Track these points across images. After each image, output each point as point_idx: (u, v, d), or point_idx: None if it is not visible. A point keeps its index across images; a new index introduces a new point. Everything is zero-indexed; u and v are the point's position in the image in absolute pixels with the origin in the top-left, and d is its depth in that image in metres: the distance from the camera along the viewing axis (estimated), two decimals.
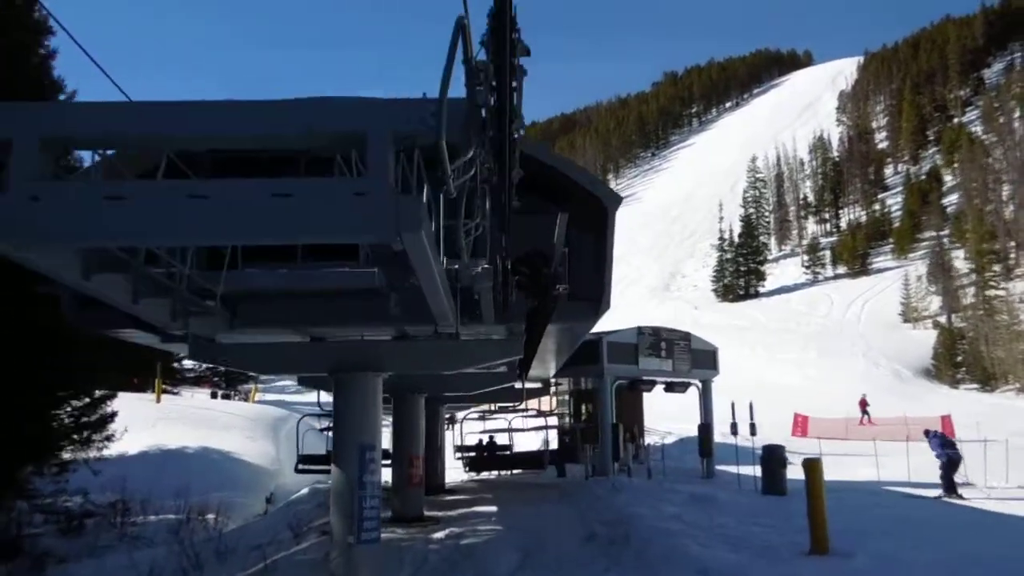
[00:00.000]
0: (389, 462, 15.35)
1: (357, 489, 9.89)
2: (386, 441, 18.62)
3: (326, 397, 16.70)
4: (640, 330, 19.84)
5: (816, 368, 55.22)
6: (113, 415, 16.49)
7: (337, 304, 8.87)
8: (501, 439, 22.63)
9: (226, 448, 23.14)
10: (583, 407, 26.48)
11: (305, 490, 20.92)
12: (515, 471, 22.90)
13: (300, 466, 18.57)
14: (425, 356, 10.53)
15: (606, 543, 11.15)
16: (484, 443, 21.85)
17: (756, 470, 16.83)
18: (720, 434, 21.11)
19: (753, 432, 17.42)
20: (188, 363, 47.67)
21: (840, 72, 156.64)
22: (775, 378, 50.89)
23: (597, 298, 10.19)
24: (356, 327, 9.14)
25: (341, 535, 9.91)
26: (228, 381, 50.82)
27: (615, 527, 11.86)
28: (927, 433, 17.45)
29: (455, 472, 24.07)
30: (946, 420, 30.56)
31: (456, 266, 7.24)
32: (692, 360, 20.52)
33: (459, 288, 7.66)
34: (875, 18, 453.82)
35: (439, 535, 12.83)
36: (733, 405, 17.43)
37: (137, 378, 36.92)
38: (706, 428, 20.53)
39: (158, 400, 33.16)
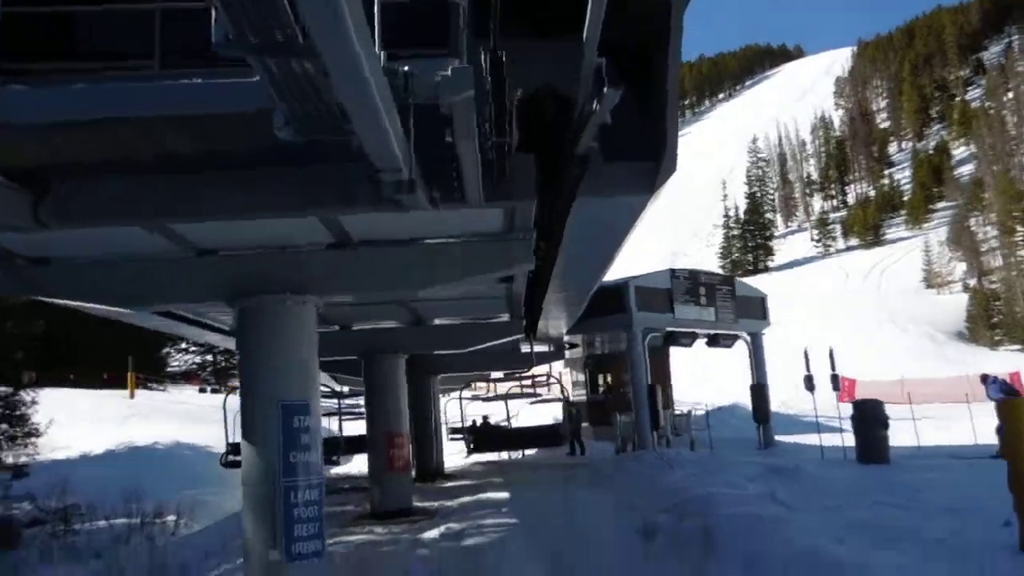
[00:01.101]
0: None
1: (280, 476, 6.08)
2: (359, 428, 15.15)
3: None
4: (674, 272, 15.91)
5: (841, 335, 51.39)
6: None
7: (218, 173, 4.99)
8: (503, 417, 18.87)
9: (201, 443, 21.12)
10: (600, 377, 22.87)
11: None
12: (526, 451, 19.00)
13: (230, 458, 14.52)
14: (379, 267, 6.66)
15: (676, 541, 7.36)
16: (478, 423, 18.02)
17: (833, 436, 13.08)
18: (779, 402, 17.33)
19: (836, 386, 13.55)
20: (175, 359, 44.65)
21: (835, 61, 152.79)
22: (801, 346, 46.91)
23: (653, 153, 5.68)
24: (256, 206, 5.16)
25: (259, 549, 6.12)
26: (217, 374, 47.52)
27: (684, 516, 8.03)
28: (985, 379, 13.74)
29: (457, 457, 20.38)
30: (1015, 376, 26.76)
31: (405, 67, 3.43)
32: (737, 308, 16.68)
33: (412, 106, 3.72)
34: (865, 13, 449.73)
35: (431, 534, 9.21)
36: (807, 353, 13.53)
37: (108, 374, 34.00)
38: (760, 389, 16.66)
39: (131, 396, 30.93)
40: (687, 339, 15.62)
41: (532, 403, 19.89)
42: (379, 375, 11.60)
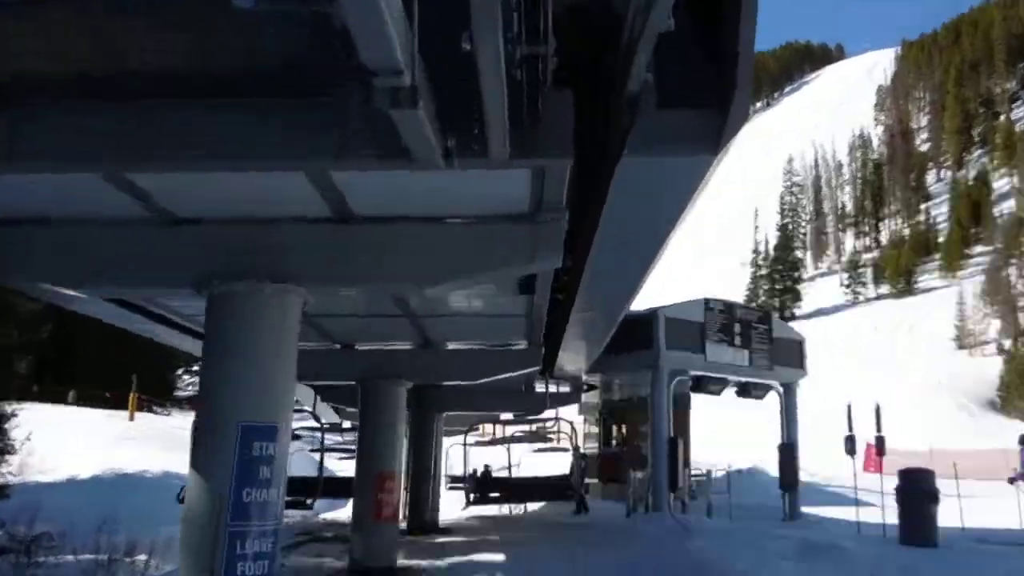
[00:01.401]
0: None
1: (227, 517, 4.96)
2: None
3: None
4: (708, 304, 14.54)
5: (863, 397, 49.27)
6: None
7: (179, 102, 4.01)
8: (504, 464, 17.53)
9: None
10: (614, 428, 21.44)
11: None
12: (529, 506, 17.55)
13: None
14: (377, 250, 5.54)
15: None
16: (479, 473, 16.70)
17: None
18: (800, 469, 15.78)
19: (881, 450, 12.14)
20: (186, 381, 43.55)
21: (876, 64, 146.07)
22: (823, 407, 45.02)
23: (719, 98, 4.19)
24: (229, 150, 4.09)
25: None
26: None
27: None
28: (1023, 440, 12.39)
29: (453, 508, 19.04)
30: None
31: None
32: (773, 352, 15.34)
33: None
34: (911, 7, 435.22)
35: None
36: (850, 409, 12.15)
37: (111, 393, 33.21)
38: (789, 451, 15.24)
39: (131, 418, 30.04)
40: (716, 386, 14.26)
41: (536, 451, 18.39)
42: (376, 404, 10.44)
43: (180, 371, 43.23)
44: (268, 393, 5.31)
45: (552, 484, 15.56)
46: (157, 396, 37.88)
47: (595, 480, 19.96)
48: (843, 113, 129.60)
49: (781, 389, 15.75)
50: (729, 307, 14.76)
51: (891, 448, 25.15)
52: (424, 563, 10.42)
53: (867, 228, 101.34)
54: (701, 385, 14.01)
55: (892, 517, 11.83)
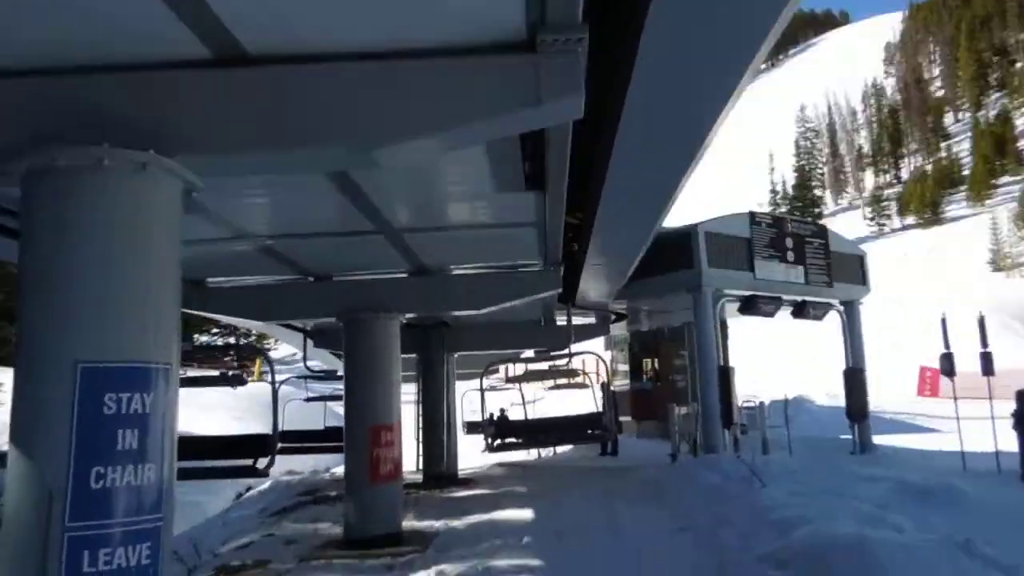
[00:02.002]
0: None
1: (61, 517, 2.99)
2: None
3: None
4: (754, 218, 12.30)
5: (909, 322, 46.96)
6: None
7: None
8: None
9: (200, 432, 17.80)
10: (646, 361, 19.60)
11: (267, 483, 14.60)
12: (557, 449, 15.64)
13: None
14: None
15: None
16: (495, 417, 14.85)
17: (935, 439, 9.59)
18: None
19: (988, 368, 10.00)
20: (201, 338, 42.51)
21: (883, 27, 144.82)
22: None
23: None
24: None
25: None
26: (239, 358, 45.26)
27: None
28: None
29: (472, 457, 17.37)
30: None
31: None
32: (831, 269, 13.13)
33: None
34: None
35: None
36: (944, 321, 9.98)
37: None
38: (857, 376, 13.15)
39: None
40: (769, 306, 12.04)
41: (549, 388, 16.28)
42: (363, 344, 8.46)
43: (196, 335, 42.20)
44: (127, 316, 3.28)
45: (581, 423, 13.65)
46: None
47: (628, 418, 18.27)
48: (852, 69, 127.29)
49: (841, 308, 13.53)
50: (778, 221, 12.47)
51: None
52: (438, 524, 8.66)
53: (887, 167, 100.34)
54: (752, 306, 11.78)
55: (972, 445, 9.85)
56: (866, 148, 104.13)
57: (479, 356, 18.09)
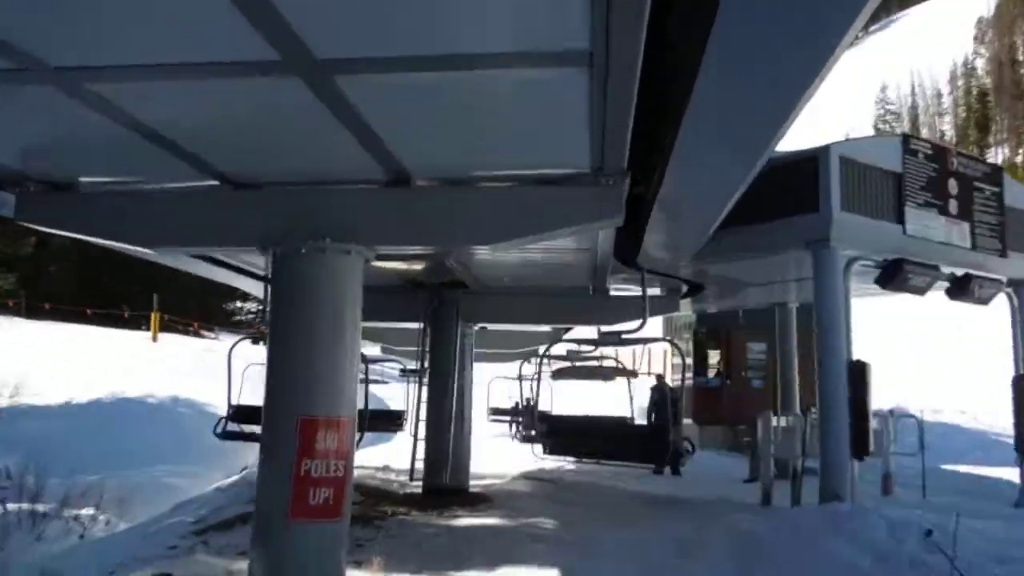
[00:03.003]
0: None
1: None
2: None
3: None
4: (908, 144, 8.00)
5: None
6: None
7: None
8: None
9: (205, 400, 17.27)
10: (714, 351, 16.24)
11: (234, 476, 12.05)
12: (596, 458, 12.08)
13: (229, 426, 10.81)
14: None
15: None
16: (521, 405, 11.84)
17: None
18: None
19: None
20: (239, 303, 40.76)
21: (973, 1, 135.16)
22: (977, 331, 36.29)
23: None
24: None
25: None
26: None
27: None
28: None
29: (493, 453, 14.16)
30: None
31: None
32: (1005, 231, 8.81)
33: None
34: None
35: None
36: None
37: (131, 310, 30.67)
38: None
39: (154, 339, 27.53)
40: (922, 278, 7.97)
41: (555, 377, 13.09)
42: (302, 289, 5.09)
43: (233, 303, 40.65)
44: None
45: (639, 435, 10.23)
46: (209, 321, 35.08)
47: (688, 421, 14.90)
48: (938, 46, 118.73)
49: (1009, 289, 9.57)
50: (940, 153, 8.41)
51: None
52: None
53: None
54: (897, 276, 7.76)
55: None
56: (949, 135, 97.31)
57: (506, 335, 14.82)
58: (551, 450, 10.23)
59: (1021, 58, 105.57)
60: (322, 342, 5.13)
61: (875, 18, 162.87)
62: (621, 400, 12.39)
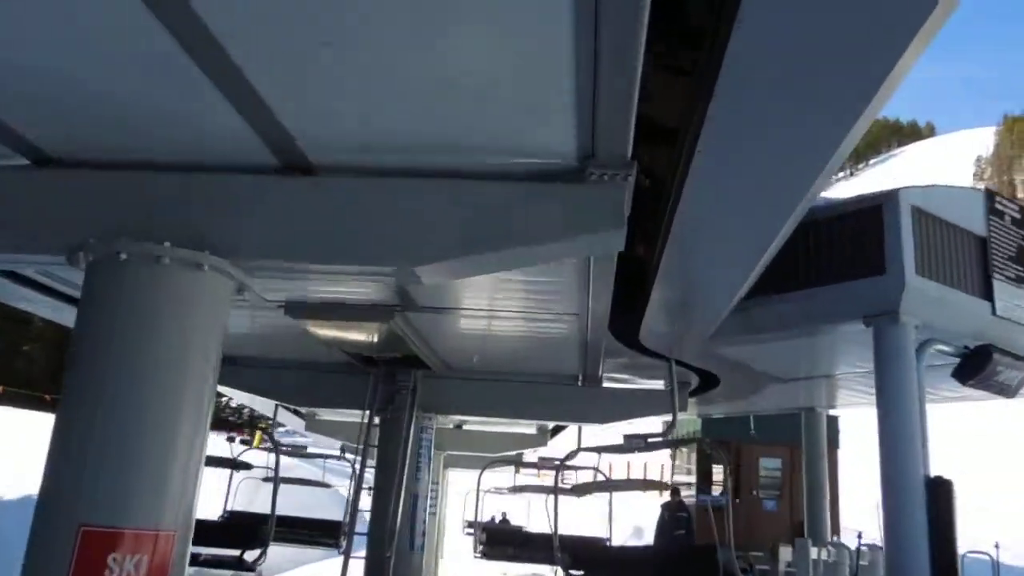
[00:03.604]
0: None
1: None
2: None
3: None
4: (994, 201, 5.96)
5: None
6: None
7: None
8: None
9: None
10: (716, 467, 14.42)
11: None
12: None
13: None
14: None
15: None
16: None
17: None
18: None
19: None
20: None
21: (971, 140, 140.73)
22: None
23: None
24: None
25: None
26: (251, 422, 41.01)
27: None
28: None
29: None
30: None
31: None
32: None
33: None
34: (1014, 99, 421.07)
35: None
36: None
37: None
38: None
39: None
40: (1014, 372, 5.99)
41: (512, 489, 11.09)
42: (105, 311, 3.12)
43: None
44: None
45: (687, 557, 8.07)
46: None
47: None
48: (938, 181, 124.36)
49: None
50: None
51: None
52: None
53: None
54: (982, 368, 5.86)
55: None
56: None
57: (482, 436, 12.75)
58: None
59: (1020, 196, 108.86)
60: (140, 405, 3.16)
61: (876, 152, 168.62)
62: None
